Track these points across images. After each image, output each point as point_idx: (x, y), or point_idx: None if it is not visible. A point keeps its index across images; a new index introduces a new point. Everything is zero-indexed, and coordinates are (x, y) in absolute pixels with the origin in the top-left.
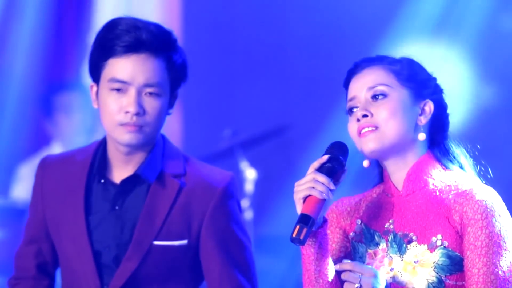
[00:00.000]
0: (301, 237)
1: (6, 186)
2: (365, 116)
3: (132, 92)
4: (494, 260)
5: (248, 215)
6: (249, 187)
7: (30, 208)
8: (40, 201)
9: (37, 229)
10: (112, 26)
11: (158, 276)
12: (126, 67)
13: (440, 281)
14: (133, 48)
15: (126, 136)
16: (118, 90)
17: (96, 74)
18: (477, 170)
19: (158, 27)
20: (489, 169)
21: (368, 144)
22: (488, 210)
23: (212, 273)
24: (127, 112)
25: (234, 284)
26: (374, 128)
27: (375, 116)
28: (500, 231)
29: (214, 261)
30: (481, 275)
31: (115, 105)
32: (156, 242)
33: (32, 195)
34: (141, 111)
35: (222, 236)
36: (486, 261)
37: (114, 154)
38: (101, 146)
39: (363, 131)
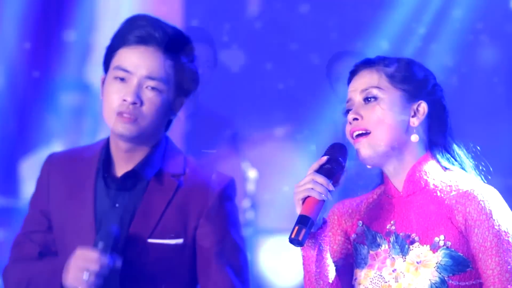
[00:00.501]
0: (300, 238)
1: (5, 185)
2: (356, 119)
3: (133, 82)
4: (506, 258)
5: (250, 215)
6: (250, 187)
7: (33, 202)
8: (46, 197)
9: (39, 223)
10: (131, 20)
11: (154, 275)
12: (132, 57)
13: (443, 281)
14: (144, 40)
15: (120, 127)
16: (121, 79)
17: (107, 64)
18: (478, 170)
19: (176, 30)
20: (491, 169)
21: (361, 151)
22: (492, 209)
23: (205, 273)
24: (124, 100)
25: (227, 285)
26: (365, 132)
27: (365, 119)
28: (507, 228)
29: (208, 261)
30: (496, 275)
31: (115, 93)
32: (150, 240)
33: (36, 189)
34: (138, 102)
35: (217, 237)
36: (498, 261)
37: (115, 151)
38: (107, 144)
39: (355, 134)
